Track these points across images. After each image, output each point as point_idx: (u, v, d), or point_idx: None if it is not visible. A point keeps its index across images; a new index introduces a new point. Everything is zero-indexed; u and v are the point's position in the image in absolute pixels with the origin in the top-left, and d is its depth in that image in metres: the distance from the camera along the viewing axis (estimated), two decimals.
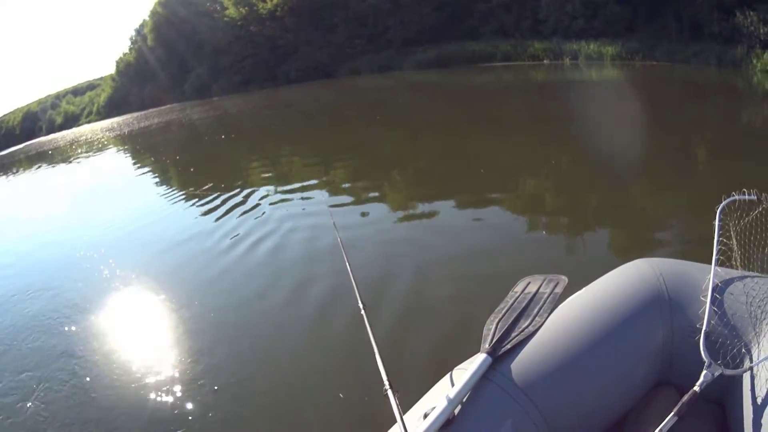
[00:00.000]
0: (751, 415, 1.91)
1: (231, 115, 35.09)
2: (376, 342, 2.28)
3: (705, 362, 2.03)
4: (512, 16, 33.60)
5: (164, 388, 4.68)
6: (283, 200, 10.53)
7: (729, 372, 2.01)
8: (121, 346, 5.73)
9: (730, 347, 2.11)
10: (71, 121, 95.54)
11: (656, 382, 2.38)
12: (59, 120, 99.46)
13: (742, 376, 2.05)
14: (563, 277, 2.79)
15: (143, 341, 5.71)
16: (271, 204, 10.28)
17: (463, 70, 32.70)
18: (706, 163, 9.00)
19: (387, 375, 2.03)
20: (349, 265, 3.20)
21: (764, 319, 2.16)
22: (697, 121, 12.32)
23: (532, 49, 30.03)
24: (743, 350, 2.11)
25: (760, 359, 2.02)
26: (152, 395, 4.62)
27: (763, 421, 1.85)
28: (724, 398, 2.19)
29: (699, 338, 2.12)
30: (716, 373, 1.99)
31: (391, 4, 41.26)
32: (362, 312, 2.59)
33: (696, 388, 1.96)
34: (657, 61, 22.90)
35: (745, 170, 7.65)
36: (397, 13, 41.18)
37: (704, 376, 1.99)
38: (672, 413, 1.88)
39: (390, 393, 1.94)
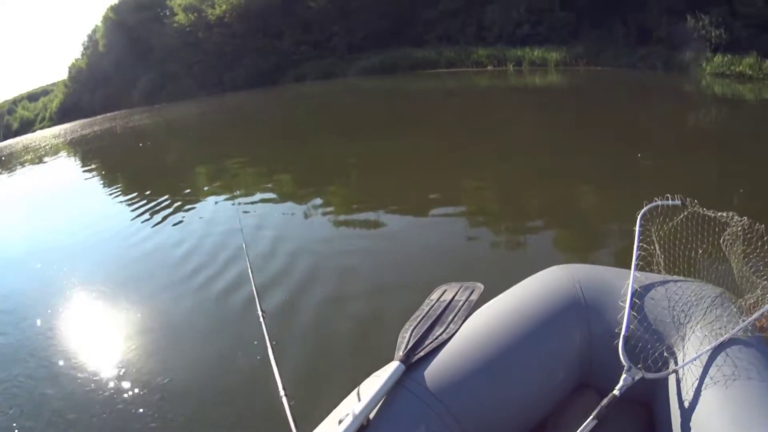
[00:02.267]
0: (679, 418, 1.90)
1: (174, 122, 34.10)
2: (273, 350, 2.33)
3: (624, 366, 1.99)
4: (457, 22, 32.69)
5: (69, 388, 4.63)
6: (202, 205, 10.39)
7: (650, 376, 1.99)
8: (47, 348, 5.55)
9: (652, 351, 2.07)
10: (27, 126, 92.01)
11: (577, 385, 2.34)
12: (15, 125, 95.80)
13: (667, 379, 2.04)
14: (479, 285, 2.73)
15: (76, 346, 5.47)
16: (189, 209, 10.07)
17: (407, 76, 31.59)
18: (639, 169, 8.54)
19: (282, 383, 2.13)
20: (252, 271, 3.30)
21: (688, 322, 2.14)
22: (636, 124, 12.08)
23: (476, 55, 29.29)
24: (666, 354, 2.08)
25: (685, 362, 2.00)
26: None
27: (690, 423, 1.84)
28: (650, 400, 2.16)
29: (618, 343, 2.07)
30: (636, 377, 1.96)
31: (337, 11, 39.70)
32: (261, 319, 2.63)
33: (616, 391, 1.92)
34: (602, 66, 22.67)
35: (683, 173, 7.75)
36: (342, 20, 39.64)
37: (624, 380, 1.95)
38: (592, 416, 1.84)
39: (284, 400, 2.07)
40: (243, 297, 5.54)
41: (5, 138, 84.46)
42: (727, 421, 1.73)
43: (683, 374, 1.96)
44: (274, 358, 2.22)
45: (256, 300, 2.77)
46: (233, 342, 4.78)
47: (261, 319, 2.61)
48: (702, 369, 1.92)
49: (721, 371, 1.87)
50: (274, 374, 2.12)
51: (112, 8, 64.18)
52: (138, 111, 52.89)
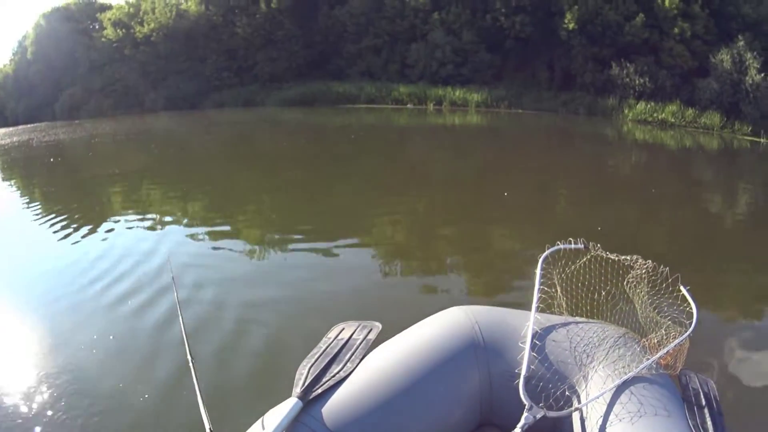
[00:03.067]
0: None
1: (106, 140, 30.78)
2: (204, 392, 2.10)
3: (526, 405, 1.97)
4: (381, 59, 31.86)
5: None
6: (130, 239, 9.01)
7: (552, 414, 1.98)
8: None
9: (553, 390, 2.08)
10: None
11: (479, 423, 2.32)
12: None
13: (571, 417, 2.05)
14: (377, 324, 2.66)
15: None
16: (116, 244, 8.65)
17: (326, 109, 30.41)
18: (550, 211, 8.85)
19: (212, 426, 1.94)
20: (182, 316, 2.91)
21: (590, 362, 2.17)
22: (552, 167, 12.30)
23: (397, 92, 28.55)
24: (568, 392, 2.08)
25: (588, 400, 2.01)
26: None
27: None
28: None
29: (518, 382, 2.06)
30: (538, 416, 1.95)
31: (262, 40, 37.90)
32: (190, 364, 2.33)
33: (517, 429, 1.91)
34: (523, 109, 22.46)
35: (595, 215, 8.14)
36: (267, 49, 37.86)
37: (525, 419, 1.94)
38: None
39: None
40: (172, 337, 4.99)
41: None
42: None
43: (587, 412, 2.00)
44: (202, 400, 1.97)
45: (185, 342, 2.42)
46: (162, 384, 4.27)
47: (190, 363, 2.26)
48: (606, 406, 1.95)
49: (626, 408, 1.91)
50: (201, 415, 1.91)
51: (44, 16, 60.60)
52: (58, 125, 48.79)
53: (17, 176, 19.48)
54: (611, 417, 1.89)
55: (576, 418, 2.01)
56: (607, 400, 1.95)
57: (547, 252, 2.55)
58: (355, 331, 2.60)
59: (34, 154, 27.19)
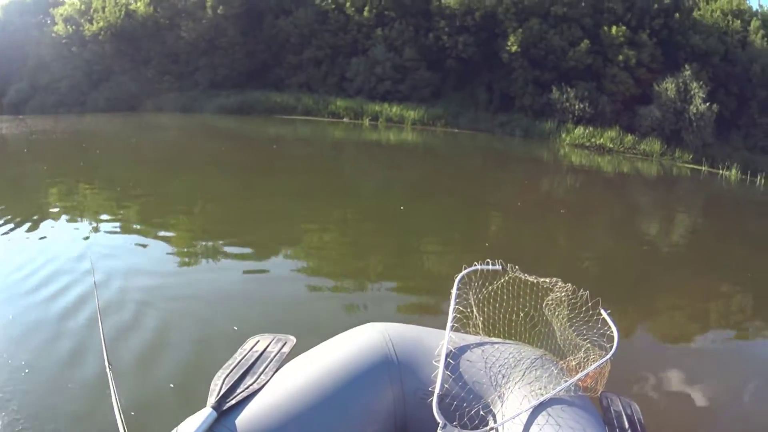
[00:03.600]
0: None
1: (43, 137, 28.67)
2: (121, 401, 2.03)
3: (440, 423, 1.94)
4: (320, 71, 31.15)
5: None
6: (57, 238, 8.31)
7: None
8: None
9: (467, 409, 2.03)
10: None
11: None
12: None
13: None
14: (292, 338, 2.64)
15: None
16: (31, 238, 8.19)
17: (263, 119, 29.50)
18: (472, 229, 8.83)
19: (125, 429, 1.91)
20: (101, 322, 2.87)
21: (506, 382, 2.13)
22: (483, 187, 12.43)
23: (334, 106, 27.87)
24: (482, 412, 2.05)
25: (504, 420, 1.98)
26: None
27: None
28: None
29: (432, 400, 2.02)
30: None
31: (206, 45, 36.80)
32: (107, 369, 2.28)
33: None
34: (459, 129, 22.06)
35: (518, 235, 8.29)
36: (209, 55, 36.83)
37: None
38: None
39: None
40: (90, 345, 4.56)
41: None
42: None
43: (504, 431, 1.96)
44: (120, 409, 1.89)
45: (104, 349, 2.34)
46: (79, 392, 3.98)
47: (108, 369, 2.19)
48: (523, 427, 1.91)
49: (543, 429, 1.88)
50: (118, 424, 1.82)
51: (3, 7, 58.21)
52: (3, 119, 44.96)
53: None
54: None
55: None
56: (524, 421, 1.91)
57: (463, 272, 2.52)
58: (270, 343, 2.54)
59: None
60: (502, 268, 2.53)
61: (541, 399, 1.97)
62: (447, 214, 9.59)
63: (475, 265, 2.56)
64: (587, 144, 17.77)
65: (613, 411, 2.13)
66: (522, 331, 2.55)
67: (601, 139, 17.72)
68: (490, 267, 2.53)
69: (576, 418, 1.91)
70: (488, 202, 10.80)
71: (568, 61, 20.85)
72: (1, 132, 32.19)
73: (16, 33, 54.64)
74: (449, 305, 2.39)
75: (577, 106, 19.05)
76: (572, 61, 20.83)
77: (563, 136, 18.38)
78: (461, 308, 2.44)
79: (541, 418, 1.90)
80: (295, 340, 2.57)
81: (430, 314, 5.30)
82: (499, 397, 2.07)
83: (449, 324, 2.29)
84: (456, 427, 1.90)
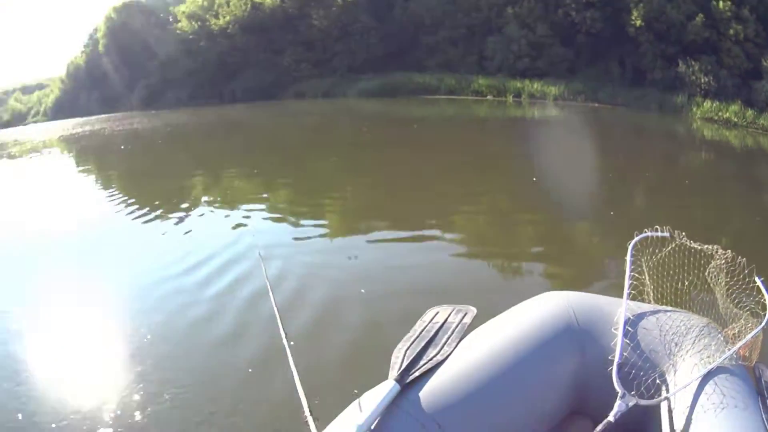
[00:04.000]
0: None
1: (175, 128, 33.98)
2: (299, 373, 2.33)
3: (618, 393, 1.99)
4: (458, 51, 33.27)
5: (84, 413, 4.29)
6: (214, 224, 9.89)
7: (643, 402, 1.99)
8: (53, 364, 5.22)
9: (644, 378, 2.08)
10: (18, 119, 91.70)
11: (570, 411, 2.36)
12: (6, 117, 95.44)
13: (659, 406, 2.03)
14: (472, 308, 2.73)
15: (68, 363, 5.19)
16: (201, 227, 9.68)
17: (406, 100, 31.78)
18: (631, 203, 9.14)
19: (309, 406, 2.13)
20: (274, 297, 3.18)
21: (678, 351, 2.17)
22: (631, 162, 12.54)
23: (476, 84, 29.64)
24: (658, 381, 2.10)
25: (676, 389, 2.02)
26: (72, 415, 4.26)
27: None
28: (641, 428, 2.14)
29: (612, 369, 2.08)
30: (630, 404, 1.96)
31: (340, 32, 40.17)
32: (285, 343, 2.58)
33: (610, 417, 1.93)
34: (599, 103, 22.97)
35: (671, 211, 8.00)
36: (344, 41, 40.12)
37: (618, 407, 1.95)
38: None
39: (310, 420, 2.09)
40: (263, 318, 5.40)
41: None
42: None
43: (674, 402, 2.00)
44: (300, 381, 2.19)
45: (279, 324, 2.71)
46: (256, 365, 4.69)
47: (285, 342, 2.54)
48: (692, 397, 1.97)
49: (710, 399, 1.92)
50: (299, 395, 2.09)
51: (115, 9, 64.35)
52: (134, 115, 52.40)
53: (92, 164, 21.15)
54: (697, 407, 1.91)
55: (664, 407, 2.00)
56: (693, 390, 1.96)
57: (636, 239, 2.57)
58: (450, 314, 2.66)
59: (106, 142, 29.07)
60: (670, 235, 2.56)
61: (709, 368, 2.02)
62: (605, 187, 9.93)
63: (646, 231, 2.59)
64: (715, 118, 17.99)
65: (764, 382, 2.16)
66: (687, 299, 2.55)
67: (727, 113, 17.83)
68: (659, 234, 2.57)
69: (737, 388, 1.96)
70: (638, 174, 11.04)
71: (688, 35, 21.42)
72: (133, 126, 36.31)
73: (137, 33, 60.76)
74: (613, 273, 2.55)
75: (702, 80, 19.56)
76: (691, 34, 21.38)
77: (694, 110, 18.76)
78: (636, 275, 2.49)
79: (708, 388, 1.95)
80: (475, 311, 2.68)
81: (598, 282, 5.63)
82: (672, 366, 2.13)
83: (626, 291, 2.36)
84: (634, 396, 1.97)
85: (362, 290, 5.94)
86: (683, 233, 2.57)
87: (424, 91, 32.44)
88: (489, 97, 28.56)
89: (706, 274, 2.54)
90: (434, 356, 2.30)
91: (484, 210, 9.20)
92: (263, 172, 14.63)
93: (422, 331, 2.55)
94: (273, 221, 9.79)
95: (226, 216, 10.07)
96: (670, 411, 1.99)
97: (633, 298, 2.42)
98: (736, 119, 17.69)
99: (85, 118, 59.68)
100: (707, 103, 18.77)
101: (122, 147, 24.35)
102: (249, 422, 4.02)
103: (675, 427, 1.92)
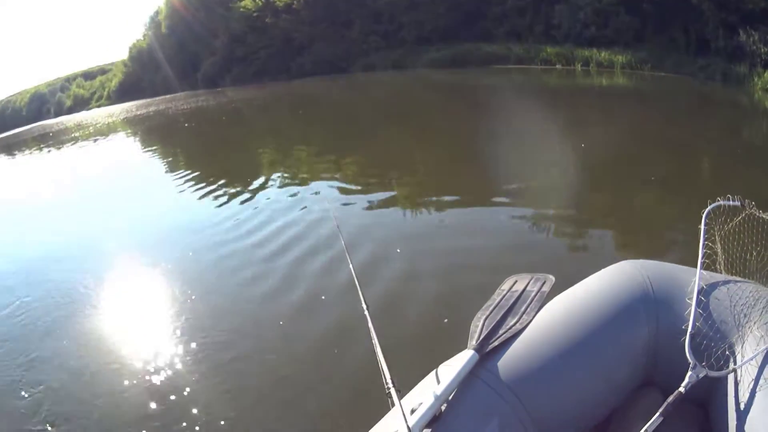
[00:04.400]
0: (735, 417, 1.95)
1: (244, 105, 36.14)
2: (379, 342, 2.26)
3: (690, 363, 2.06)
4: (525, 20, 33.73)
5: (166, 381, 4.82)
6: (287, 195, 10.66)
7: (714, 374, 2.05)
8: (124, 333, 5.92)
9: (715, 349, 2.14)
10: (81, 104, 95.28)
11: (641, 382, 2.41)
12: (68, 103, 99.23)
13: (725, 378, 2.10)
14: (550, 277, 2.86)
15: (148, 332, 5.87)
16: (275, 198, 10.47)
17: (477, 70, 32.54)
18: (699, 172, 9.14)
19: (391, 375, 2.02)
20: (352, 264, 3.11)
21: (747, 322, 2.20)
22: (697, 131, 12.51)
23: (545, 53, 30.18)
24: (727, 352, 2.14)
25: (744, 361, 2.06)
26: (153, 390, 4.75)
27: (746, 424, 1.89)
28: (707, 400, 2.22)
29: (684, 340, 2.14)
30: (701, 375, 2.03)
31: (407, 3, 41.23)
32: (365, 312, 2.54)
33: (681, 389, 1.99)
34: (665, 72, 23.18)
35: (736, 181, 7.65)
36: (412, 12, 41.18)
37: (689, 378, 2.02)
38: (657, 413, 1.90)
39: (393, 393, 1.93)
40: (340, 286, 5.82)
41: (56, 115, 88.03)
42: None
43: (741, 374, 2.03)
44: (381, 350, 2.15)
45: (360, 293, 2.65)
46: (335, 333, 5.05)
47: (366, 312, 2.52)
48: (758, 369, 2.00)
49: None
50: (380, 365, 2.06)
51: None
52: (199, 94, 55.74)
53: (157, 143, 22.99)
54: (761, 380, 1.93)
55: (731, 379, 2.05)
56: (759, 363, 1.98)
57: (709, 207, 2.57)
58: (529, 283, 2.77)
59: (170, 121, 31.72)
60: (741, 204, 2.59)
61: None
62: (673, 157, 9.96)
63: (718, 200, 2.61)
64: None
65: None
66: (754, 270, 2.55)
67: None
68: (731, 203, 2.59)
69: None
70: (701, 146, 11.01)
71: (747, 3, 20.88)
72: (198, 104, 38.91)
73: (198, 12, 63.19)
74: (691, 242, 2.62)
75: (762, 50, 19.30)
76: (750, 3, 20.80)
77: (755, 80, 18.53)
78: (709, 244, 2.51)
79: None
80: (553, 279, 2.78)
81: (670, 251, 5.60)
82: (740, 337, 2.15)
83: (700, 260, 2.38)
84: (704, 367, 2.02)
85: (438, 258, 6.27)
86: (753, 202, 2.61)
87: (495, 60, 32.98)
88: (558, 66, 29.01)
89: None
90: (513, 325, 2.38)
91: (562, 181, 9.14)
92: (332, 145, 15.56)
93: (501, 300, 2.65)
94: (346, 191, 10.35)
95: (298, 187, 10.83)
96: (736, 383, 2.02)
97: (706, 267, 2.43)
98: None
99: (149, 99, 64.24)
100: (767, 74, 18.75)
101: (186, 125, 25.99)
102: (327, 388, 4.28)
103: (740, 400, 1.95)
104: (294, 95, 36.96)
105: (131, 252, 8.44)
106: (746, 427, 1.89)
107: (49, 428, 4.48)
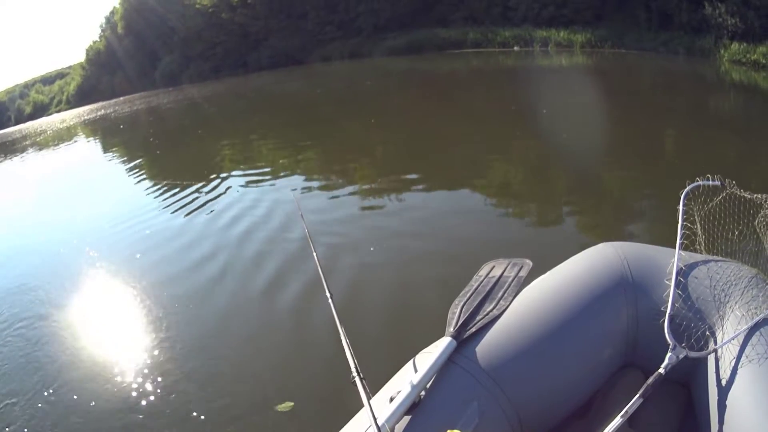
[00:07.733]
0: (716, 396, 1.94)
1: (199, 102, 35.68)
2: (344, 330, 2.19)
3: (669, 345, 2.04)
4: (482, 3, 33.26)
5: (136, 379, 4.59)
6: (250, 186, 10.50)
7: (693, 354, 2.03)
8: (93, 335, 5.68)
9: (695, 330, 2.12)
10: (40, 110, 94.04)
11: (622, 364, 2.39)
12: (28, 110, 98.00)
13: (706, 358, 2.08)
14: (527, 261, 2.79)
15: (114, 333, 5.61)
16: (239, 191, 10.21)
17: (433, 56, 32.35)
18: (672, 150, 8.99)
19: (356, 363, 1.97)
20: (316, 254, 3.04)
21: (727, 302, 2.18)
22: (664, 108, 12.28)
23: (502, 36, 29.78)
24: (707, 333, 2.13)
25: (724, 341, 2.04)
26: (123, 387, 4.54)
27: (727, 401, 1.88)
28: (689, 380, 2.23)
29: (663, 321, 2.12)
30: (681, 356, 2.00)
31: None
32: (329, 301, 2.48)
33: (661, 370, 1.95)
34: (626, 49, 22.81)
35: (711, 157, 7.84)
36: (368, 0, 40.73)
37: (669, 359, 1.99)
38: (637, 395, 1.86)
39: (358, 380, 1.89)
40: (306, 276, 5.69)
41: (16, 123, 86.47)
42: (762, 399, 1.79)
43: (722, 353, 2.01)
44: (346, 338, 2.10)
45: (323, 282, 2.59)
46: (300, 322, 4.93)
47: (330, 300, 2.46)
48: (739, 348, 1.97)
49: (755, 350, 1.92)
50: (345, 354, 2.00)
51: None
52: (157, 93, 55.17)
53: (116, 144, 23.11)
54: (743, 359, 1.93)
55: (711, 359, 2.04)
56: (740, 342, 1.97)
57: (688, 188, 2.53)
58: (506, 268, 2.71)
59: (130, 121, 32.07)
60: (721, 184, 2.55)
61: (756, 319, 2.02)
62: (642, 134, 9.70)
63: (698, 180, 2.55)
64: (743, 60, 17.43)
65: None
66: (736, 249, 2.54)
67: (755, 55, 17.18)
68: (711, 182, 2.54)
69: None
70: (669, 122, 10.67)
71: None
72: (153, 104, 38.66)
73: (153, 11, 62.33)
74: (669, 222, 2.54)
75: (728, 21, 18.91)
76: None
77: (722, 52, 18.33)
78: (688, 224, 2.46)
79: (755, 339, 1.96)
80: (531, 264, 2.72)
81: (650, 232, 5.51)
82: (720, 317, 2.13)
83: (678, 241, 2.35)
84: (684, 348, 2.00)
85: (408, 246, 6.14)
86: (733, 182, 2.58)
87: (451, 46, 32.88)
88: (515, 47, 28.83)
89: (756, 223, 2.56)
90: (490, 311, 2.36)
91: (530, 164, 9.12)
92: (291, 136, 15.31)
93: (478, 286, 2.62)
94: (309, 180, 10.23)
95: (264, 180, 10.67)
96: (717, 362, 2.03)
97: (685, 248, 2.42)
98: (764, 61, 17.13)
99: (110, 101, 63.16)
100: (734, 46, 18.44)
101: (151, 133, 25.30)
102: (293, 381, 4.14)
103: (721, 379, 1.96)
104: (250, 89, 36.68)
105: (88, 252, 8.29)
106: (728, 406, 1.89)
107: None
